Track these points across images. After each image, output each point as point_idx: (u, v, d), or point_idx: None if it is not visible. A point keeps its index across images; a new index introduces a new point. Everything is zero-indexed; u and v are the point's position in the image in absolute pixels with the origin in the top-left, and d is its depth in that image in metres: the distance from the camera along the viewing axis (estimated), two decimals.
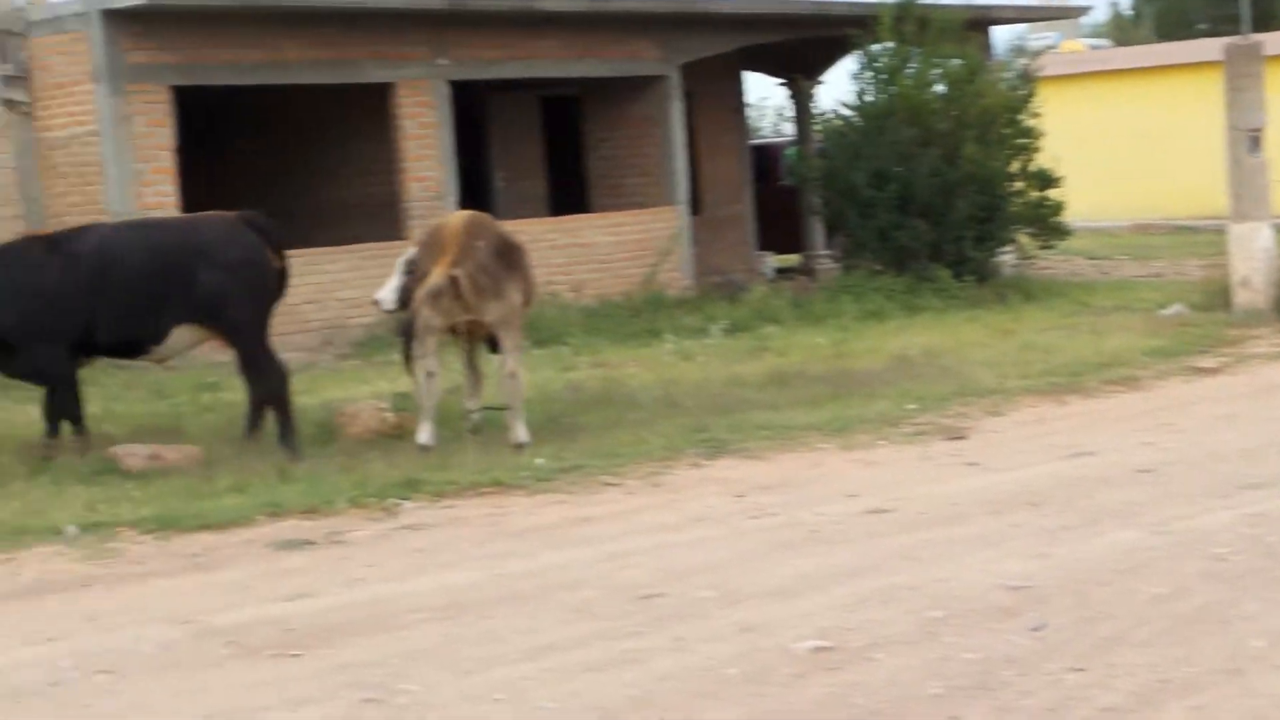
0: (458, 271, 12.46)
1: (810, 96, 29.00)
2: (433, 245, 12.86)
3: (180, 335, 13.16)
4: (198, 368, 17.99)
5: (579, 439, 13.04)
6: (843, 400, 14.47)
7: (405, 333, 12.58)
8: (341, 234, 22.53)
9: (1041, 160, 24.59)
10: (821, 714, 6.60)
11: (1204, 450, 11.89)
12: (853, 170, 23.61)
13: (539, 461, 12.07)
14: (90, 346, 13.15)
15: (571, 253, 22.82)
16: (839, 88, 63.59)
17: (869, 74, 24.31)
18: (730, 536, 9.86)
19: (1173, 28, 53.53)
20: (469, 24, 21.78)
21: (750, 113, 32.36)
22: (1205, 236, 29.20)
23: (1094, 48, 44.00)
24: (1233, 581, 8.25)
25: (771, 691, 6.86)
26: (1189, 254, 27.86)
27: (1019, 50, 34.49)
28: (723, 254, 26.70)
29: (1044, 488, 10.78)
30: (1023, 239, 24.96)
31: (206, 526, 10.46)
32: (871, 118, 23.97)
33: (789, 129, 36.64)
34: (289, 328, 19.91)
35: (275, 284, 13.40)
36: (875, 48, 24.22)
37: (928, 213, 23.29)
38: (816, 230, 27.56)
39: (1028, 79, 25.08)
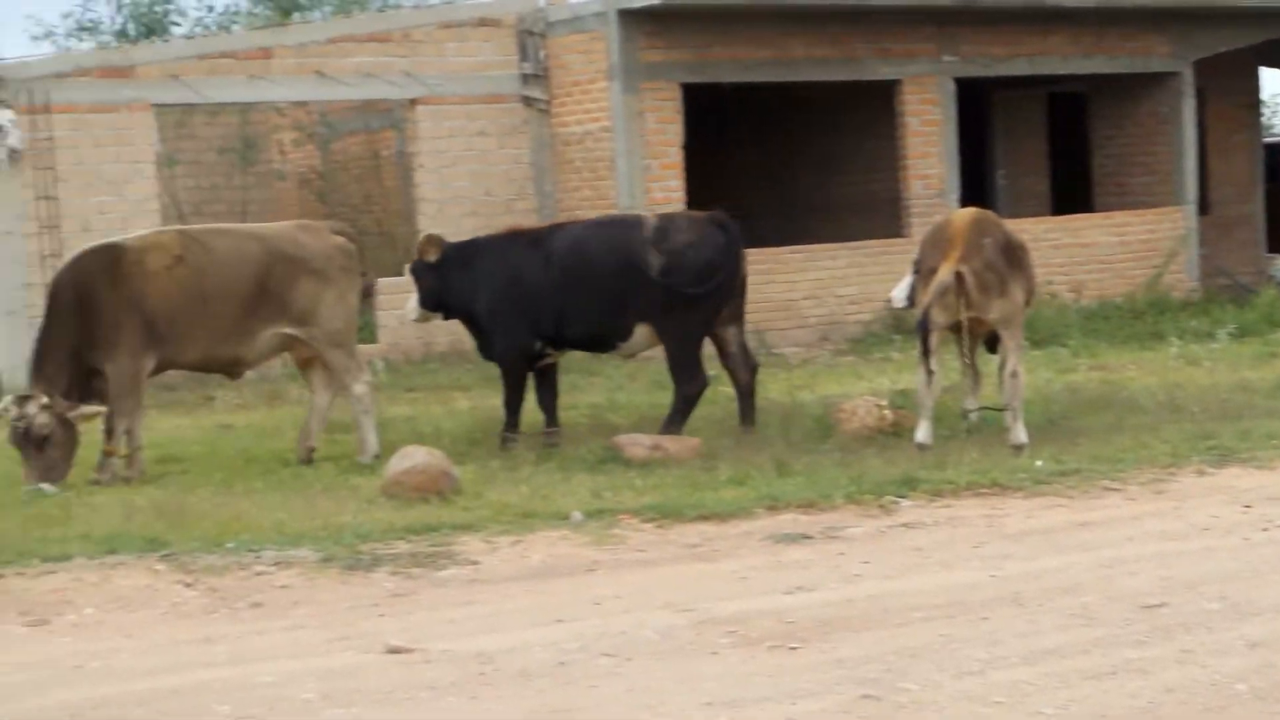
0: (964, 268, 12.37)
1: None
2: (938, 242, 12.79)
3: (644, 333, 13.48)
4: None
5: (1078, 442, 12.78)
6: None
7: (924, 328, 12.50)
8: (842, 231, 22.61)
9: None
10: None
11: None
12: None
13: (1038, 463, 11.88)
14: (560, 340, 13.57)
15: (1072, 252, 22.40)
16: None
17: None
18: (1238, 548, 9.53)
19: None
20: (977, 20, 21.58)
21: (1265, 109, 31.15)
22: None
23: None
24: None
25: None
26: None
27: None
28: (1230, 255, 25.78)
29: None
30: None
31: (706, 517, 10.63)
32: None
33: None
34: (787, 323, 20.16)
35: (733, 286, 13.50)
36: None
37: None
38: None
39: None
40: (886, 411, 13.31)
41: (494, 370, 15.38)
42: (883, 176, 22.48)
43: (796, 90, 22.02)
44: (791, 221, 24.00)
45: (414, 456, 11.57)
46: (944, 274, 12.39)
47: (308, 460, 13.02)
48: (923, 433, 12.59)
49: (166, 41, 22.27)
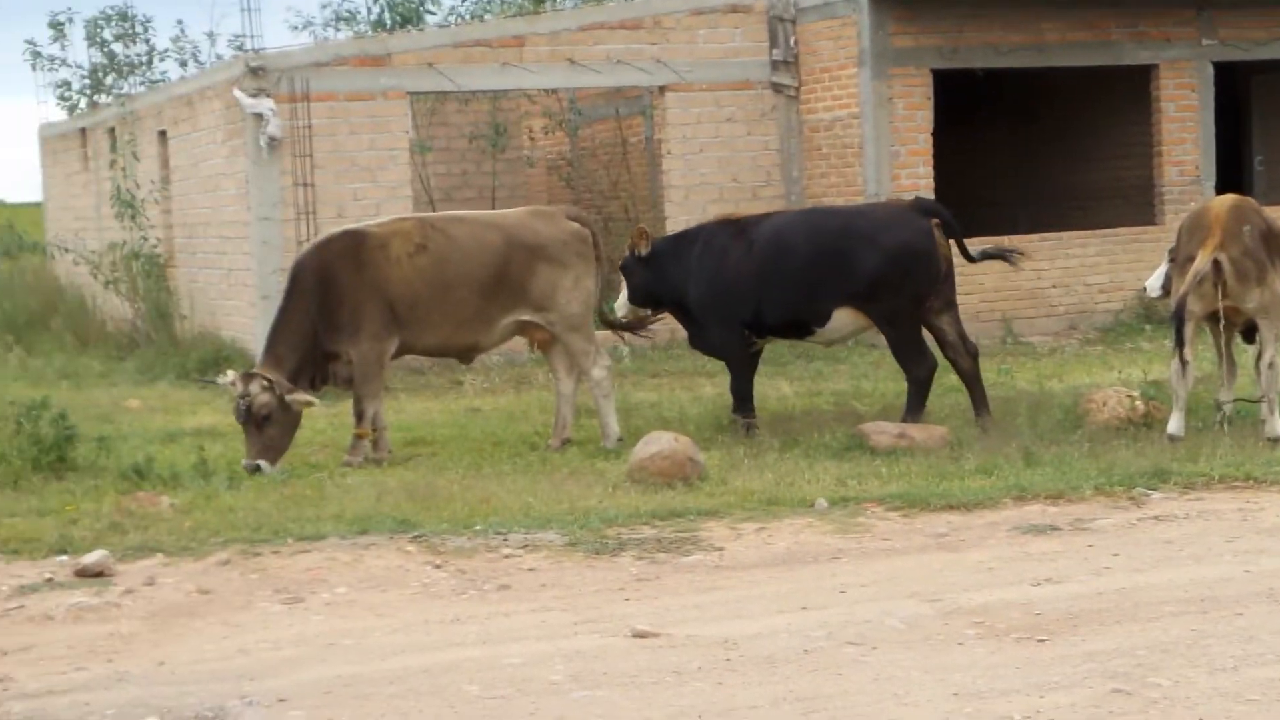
0: (1221, 256, 12.11)
1: None
2: (1196, 230, 12.51)
3: (842, 318, 13.42)
4: None
5: None
6: None
7: (1179, 317, 12.26)
8: (1092, 218, 22.28)
9: None
10: None
11: None
12: None
13: None
14: (761, 327, 13.59)
15: None
16: None
17: None
18: None
19: None
20: (1236, 3, 21.05)
21: None
22: None
23: None
24: None
25: None
26: None
27: None
28: None
29: None
30: None
31: (952, 507, 10.56)
32: None
33: None
34: (1035, 311, 19.91)
35: (940, 271, 13.38)
36: None
37: None
38: None
39: None
40: (1137, 402, 13.07)
41: None
42: (1135, 163, 22.06)
43: (1047, 75, 21.70)
44: (1040, 208, 23.70)
45: (659, 442, 11.65)
46: (1201, 262, 12.14)
47: (561, 449, 13.14)
48: (1175, 424, 12.36)
49: (422, 30, 22.60)
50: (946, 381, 15.51)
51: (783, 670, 7.27)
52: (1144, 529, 10.00)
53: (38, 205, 35.00)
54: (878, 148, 19.38)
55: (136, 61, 26.23)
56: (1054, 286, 20.31)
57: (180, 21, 37.79)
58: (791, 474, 11.66)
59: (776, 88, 20.40)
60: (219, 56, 25.66)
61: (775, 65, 20.35)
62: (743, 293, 13.45)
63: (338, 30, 26.13)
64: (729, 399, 14.18)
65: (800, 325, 13.58)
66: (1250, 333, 12.81)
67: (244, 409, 12.32)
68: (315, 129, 18.57)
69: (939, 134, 19.83)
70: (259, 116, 18.36)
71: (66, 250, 23.56)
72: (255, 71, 18.46)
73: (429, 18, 25.33)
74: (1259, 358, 12.58)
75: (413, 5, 25.15)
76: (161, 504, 10.88)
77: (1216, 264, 12.10)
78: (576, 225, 13.41)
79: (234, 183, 19.22)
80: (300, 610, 8.59)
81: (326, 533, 10.02)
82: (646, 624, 7.99)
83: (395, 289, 12.76)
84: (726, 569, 9.28)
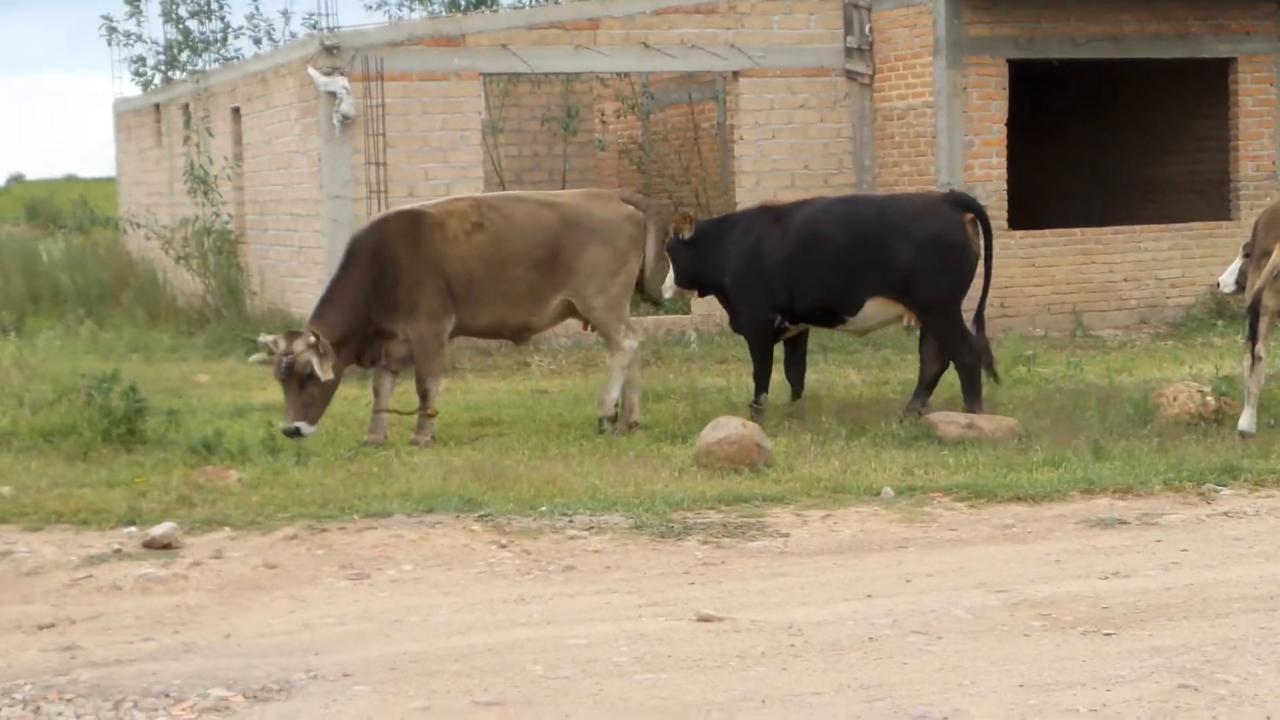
0: None
1: None
2: (1272, 225, 12.40)
3: (874, 308, 13.43)
4: (1014, 340, 18.12)
5: None
6: None
7: (1254, 312, 12.16)
8: (1166, 212, 22.12)
9: None
10: None
11: None
12: None
13: None
14: (793, 314, 13.63)
15: None
16: None
17: None
18: None
19: None
20: None
21: None
22: None
23: None
24: None
25: None
26: None
27: None
28: None
29: None
30: None
31: (1019, 498, 10.52)
32: None
33: None
34: (1105, 305, 19.80)
35: (972, 261, 13.35)
36: None
37: None
38: None
39: None
40: (1208, 397, 12.97)
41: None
42: (1210, 157, 21.88)
43: (1122, 66, 21.54)
44: (1113, 201, 23.54)
45: (727, 427, 11.64)
46: (1278, 257, 12.03)
47: (627, 433, 13.13)
48: (1246, 420, 12.27)
49: (496, 11, 22.66)
50: (1016, 373, 15.48)
51: (847, 657, 7.26)
52: (1213, 525, 9.94)
53: (111, 180, 35.24)
54: (951, 137, 19.29)
55: (211, 38, 26.29)
56: (1125, 280, 20.18)
57: None
58: (858, 462, 11.64)
59: (850, 75, 20.33)
60: (293, 34, 25.74)
61: (850, 52, 20.28)
62: (776, 279, 13.52)
63: (412, 10, 26.20)
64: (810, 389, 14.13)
65: (832, 313, 13.63)
66: None
67: (287, 365, 12.24)
68: (388, 108, 18.63)
69: (1013, 124, 19.72)
70: (332, 95, 18.43)
71: (139, 225, 23.71)
72: (330, 50, 18.53)
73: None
74: None
75: None
76: (230, 478, 10.94)
77: None
78: (631, 208, 13.41)
79: (306, 160, 19.29)
80: (366, 586, 8.63)
81: (393, 510, 10.06)
82: (711, 608, 7.99)
83: (452, 267, 12.79)
84: (791, 555, 9.27)
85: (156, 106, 26.90)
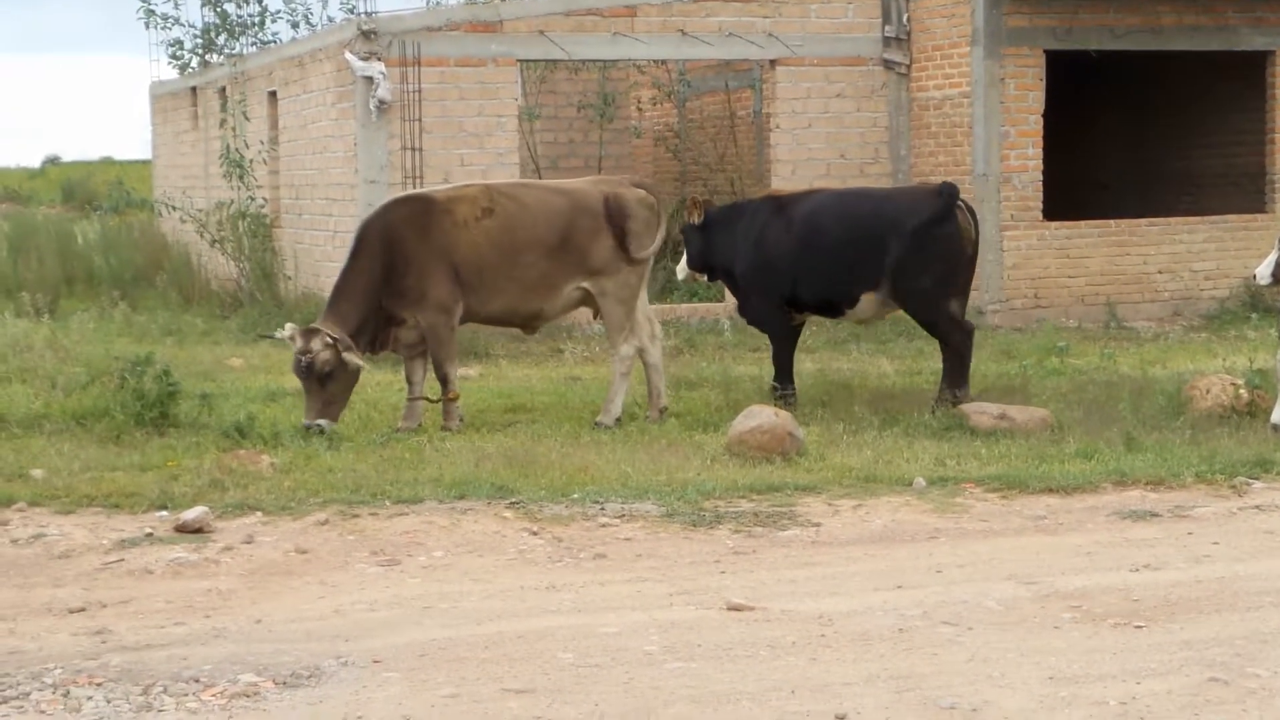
0: None
1: None
2: None
3: (870, 300, 13.46)
4: (1047, 331, 18.07)
5: None
6: None
7: None
8: (1202, 204, 22.03)
9: None
10: None
11: None
12: None
13: None
14: (799, 304, 13.70)
15: None
16: None
17: None
18: None
19: None
20: None
21: None
22: None
23: None
24: None
25: None
26: None
27: None
28: None
29: None
30: None
31: (1051, 489, 10.50)
32: None
33: None
34: (1139, 296, 19.74)
35: (964, 256, 13.36)
36: None
37: None
38: None
39: None
40: (1241, 390, 12.92)
41: (838, 333, 15.38)
42: (1247, 150, 21.78)
43: (1161, 58, 21.45)
44: (1149, 192, 23.44)
45: (759, 416, 11.63)
46: None
47: (658, 421, 13.11)
48: (1279, 413, 12.23)
49: None
50: (1049, 364, 15.45)
51: (877, 648, 7.25)
52: (1245, 518, 9.91)
53: (147, 163, 35.35)
54: (987, 128, 19.23)
55: (249, 22, 26.32)
56: (1160, 272, 20.12)
57: None
58: (890, 452, 11.62)
59: (887, 64, 20.28)
60: (330, 19, 25.75)
61: (887, 42, 20.23)
62: (781, 270, 13.62)
63: None
64: (830, 375, 14.13)
65: (832, 305, 13.70)
66: None
67: (305, 365, 12.21)
68: (425, 94, 18.64)
69: (1049, 115, 19.66)
70: (369, 80, 18.46)
71: (174, 208, 23.76)
72: (367, 35, 18.56)
73: None
74: None
75: None
76: (262, 463, 10.97)
77: None
78: (642, 193, 13.37)
79: (342, 145, 19.32)
80: (397, 572, 8.64)
81: (424, 496, 10.08)
82: (741, 597, 7.99)
83: (462, 253, 12.70)
84: (823, 545, 9.27)
85: (193, 90, 26.97)
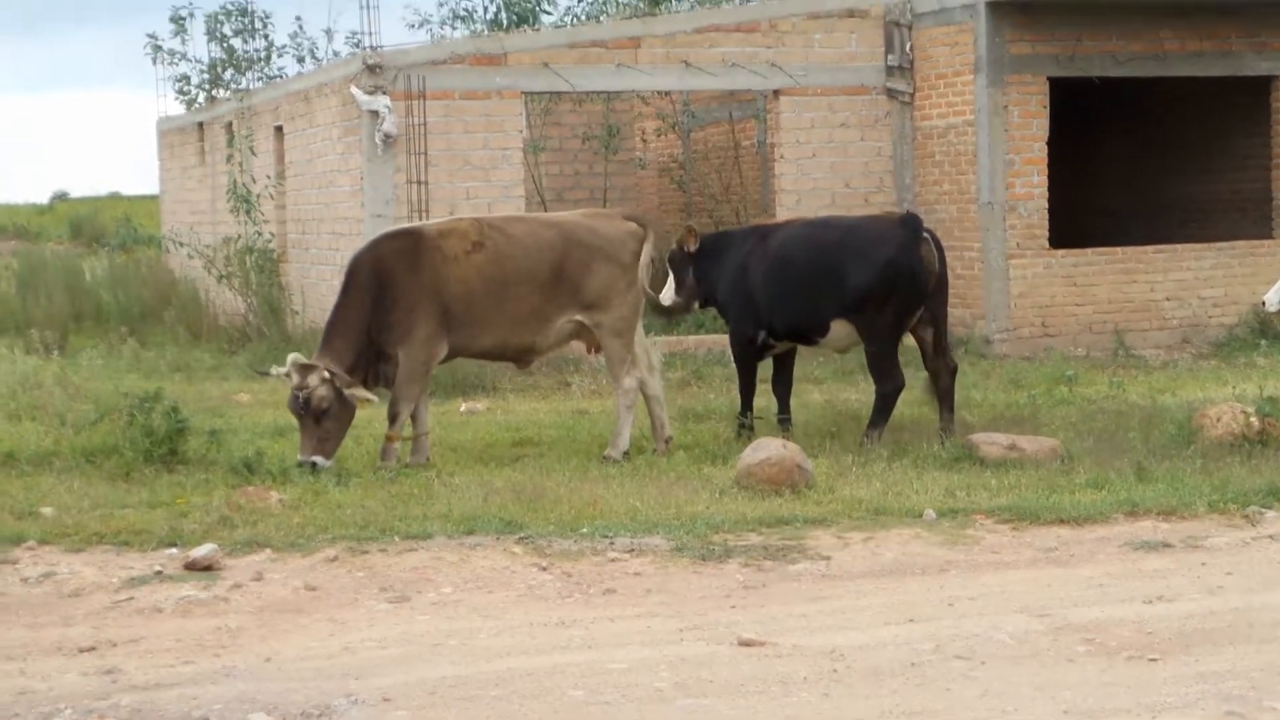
0: None
1: None
2: None
3: (840, 329, 13.49)
4: (1055, 360, 18.05)
5: None
6: None
7: None
8: (1209, 230, 22.02)
9: None
10: None
11: None
12: None
13: None
14: (774, 331, 13.78)
15: None
16: None
17: None
18: None
19: None
20: None
21: None
22: None
23: None
24: None
25: None
26: None
27: None
28: None
29: None
30: None
31: (1062, 520, 10.46)
32: None
33: None
34: (1147, 324, 19.71)
35: (925, 288, 13.32)
36: None
37: None
38: None
39: None
40: (1252, 418, 12.88)
41: (846, 363, 15.38)
42: (1253, 175, 21.79)
43: (1164, 84, 21.45)
44: (1155, 219, 23.44)
45: (768, 448, 11.60)
46: None
47: (665, 452, 13.10)
48: None
49: (538, 30, 22.67)
50: (1058, 393, 15.42)
51: (889, 683, 7.21)
52: (1258, 548, 9.86)
53: (154, 198, 35.41)
54: (992, 155, 19.24)
55: (255, 57, 26.42)
56: (1168, 299, 20.09)
57: (299, 18, 38.09)
58: (900, 484, 11.59)
59: (891, 93, 20.30)
60: (336, 53, 25.83)
61: (890, 71, 20.26)
62: (758, 299, 13.72)
63: (454, 29, 26.24)
64: (839, 406, 14.12)
65: (804, 333, 13.75)
66: None
67: (302, 401, 12.14)
68: (430, 127, 18.67)
69: (1054, 142, 19.67)
70: (375, 113, 18.49)
71: (181, 243, 23.81)
72: (372, 69, 18.59)
73: (545, 18, 25.41)
74: None
75: (529, 5, 25.22)
76: (271, 499, 10.95)
77: None
78: (634, 225, 13.35)
79: (348, 179, 19.34)
80: (406, 609, 8.62)
81: (433, 532, 10.06)
82: (752, 632, 7.96)
83: (452, 288, 12.63)
84: (833, 578, 9.24)
85: (200, 125, 27.02)
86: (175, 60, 27.24)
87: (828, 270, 13.40)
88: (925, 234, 13.43)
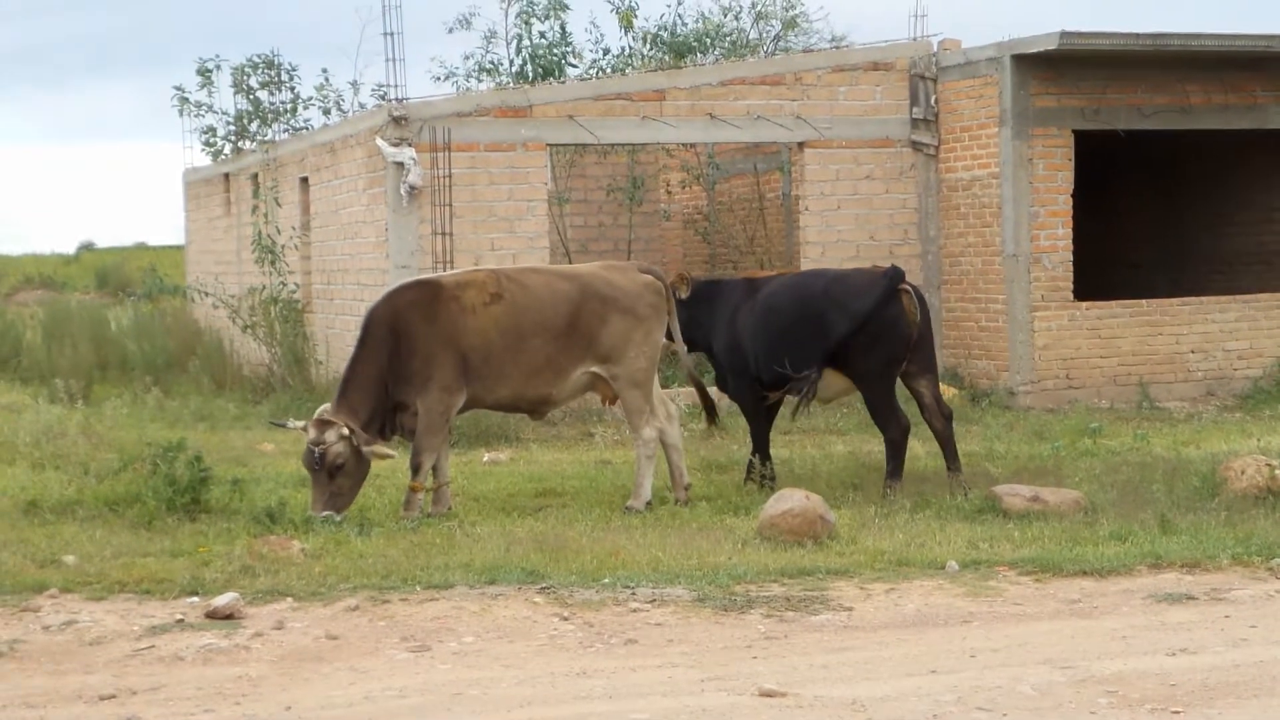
0: None
1: None
2: None
3: (825, 380, 13.55)
4: (1080, 412, 18.01)
5: None
6: None
7: None
8: (1234, 283, 21.99)
9: None
10: None
11: None
12: None
13: None
14: (762, 382, 13.90)
15: None
16: None
17: None
18: None
19: None
20: None
21: None
22: None
23: None
24: None
25: None
26: None
27: None
28: None
29: None
30: None
31: (1086, 572, 10.43)
32: None
33: None
34: (1172, 377, 19.67)
35: (909, 337, 13.47)
36: None
37: None
38: None
39: None
40: (1277, 471, 12.84)
41: (868, 415, 15.35)
42: (1277, 229, 21.78)
43: (1190, 137, 21.47)
44: (1180, 272, 23.42)
45: (790, 499, 11.59)
46: None
47: (685, 501, 13.11)
48: None
49: (563, 83, 22.76)
50: (1082, 445, 15.38)
51: None
52: None
53: (180, 248, 35.57)
54: (1017, 208, 19.25)
55: (281, 109, 26.53)
56: (1193, 351, 20.05)
57: (325, 70, 38.05)
58: (922, 535, 11.57)
59: (916, 146, 20.33)
60: (362, 105, 25.91)
61: (915, 123, 20.30)
62: (746, 349, 13.87)
63: (480, 81, 26.34)
64: (862, 458, 14.11)
65: (789, 383, 13.75)
66: None
67: (318, 456, 12.14)
68: (455, 178, 18.73)
69: (1079, 195, 19.67)
70: (400, 165, 18.56)
71: (206, 294, 23.88)
72: (398, 120, 18.67)
73: (570, 70, 25.50)
74: None
75: (555, 57, 25.31)
76: (293, 548, 10.95)
77: None
78: (649, 278, 13.38)
79: (373, 230, 19.41)
80: (427, 659, 8.61)
81: (455, 581, 10.05)
82: (774, 683, 7.93)
83: (469, 339, 12.64)
84: (855, 629, 9.21)
85: (226, 176, 27.15)
86: (202, 112, 27.37)
87: (811, 320, 13.54)
88: (907, 286, 13.59)
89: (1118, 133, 20.05)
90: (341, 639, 8.95)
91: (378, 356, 12.59)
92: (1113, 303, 20.03)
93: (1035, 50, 18.95)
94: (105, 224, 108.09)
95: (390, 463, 13.02)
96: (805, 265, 19.75)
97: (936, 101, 20.27)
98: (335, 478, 12.18)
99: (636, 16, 25.80)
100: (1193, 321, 20.16)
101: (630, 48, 26.30)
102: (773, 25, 29.20)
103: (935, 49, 20.46)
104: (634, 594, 9.80)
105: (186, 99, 27.35)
